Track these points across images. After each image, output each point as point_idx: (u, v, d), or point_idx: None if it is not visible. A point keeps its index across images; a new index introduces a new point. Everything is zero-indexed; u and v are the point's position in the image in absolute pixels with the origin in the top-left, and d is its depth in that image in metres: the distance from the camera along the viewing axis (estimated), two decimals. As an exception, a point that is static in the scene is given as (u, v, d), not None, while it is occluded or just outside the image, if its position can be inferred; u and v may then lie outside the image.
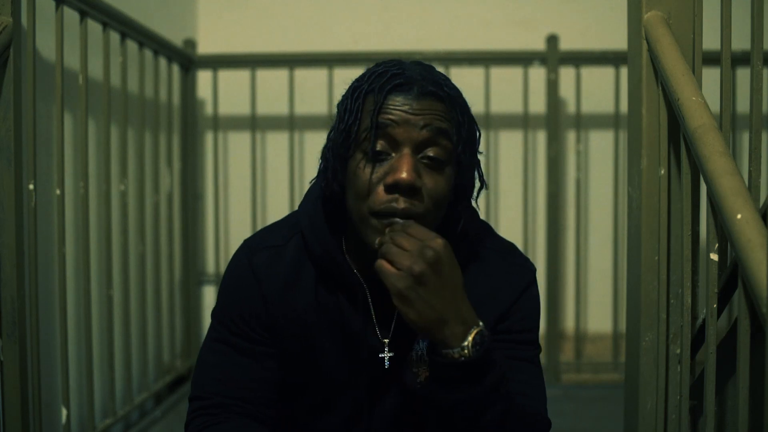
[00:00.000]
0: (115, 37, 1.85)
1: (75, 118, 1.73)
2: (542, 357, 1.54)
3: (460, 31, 2.69)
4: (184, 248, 2.47)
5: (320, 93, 2.52)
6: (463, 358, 0.86)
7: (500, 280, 1.06)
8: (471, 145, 0.99)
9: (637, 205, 1.18)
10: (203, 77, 2.58)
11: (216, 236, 2.61)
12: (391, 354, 1.03)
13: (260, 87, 2.54)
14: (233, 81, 2.58)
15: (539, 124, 2.55)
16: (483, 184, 1.04)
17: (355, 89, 0.97)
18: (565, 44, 2.42)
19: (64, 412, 1.54)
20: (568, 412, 2.12)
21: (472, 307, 0.89)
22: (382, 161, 0.93)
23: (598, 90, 2.52)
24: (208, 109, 2.66)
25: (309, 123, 2.60)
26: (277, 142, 2.67)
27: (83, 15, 1.64)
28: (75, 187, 1.72)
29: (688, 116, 1.01)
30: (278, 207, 2.60)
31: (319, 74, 2.54)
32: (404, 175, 0.90)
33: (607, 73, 2.46)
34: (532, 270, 1.10)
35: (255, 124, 2.55)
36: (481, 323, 0.88)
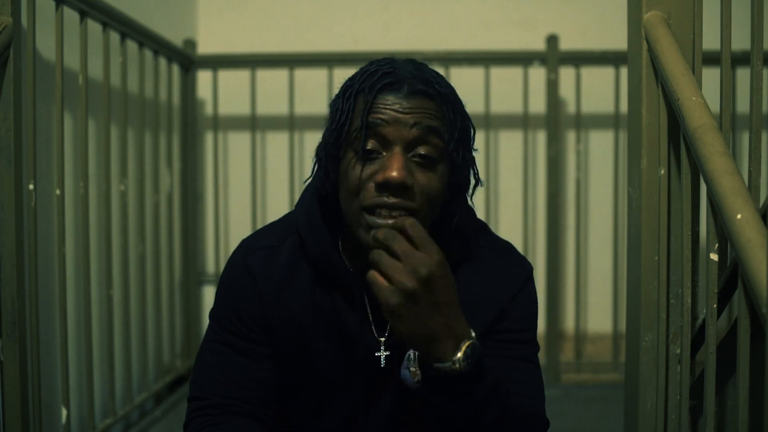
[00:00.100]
0: (115, 37, 1.85)
1: (75, 118, 1.73)
2: (542, 357, 1.55)
3: (460, 31, 2.69)
4: (184, 248, 2.47)
5: (320, 93, 2.52)
6: (454, 373, 0.84)
7: (497, 279, 1.06)
8: (464, 142, 0.99)
9: (637, 205, 1.18)
10: (203, 77, 2.58)
11: (216, 236, 2.61)
12: (387, 353, 1.03)
13: (260, 87, 2.54)
14: (233, 81, 2.58)
15: (539, 124, 2.55)
16: (478, 181, 1.04)
17: (347, 89, 0.98)
18: (565, 44, 2.42)
19: (64, 412, 1.54)
20: (568, 412, 2.12)
21: (465, 319, 0.86)
22: (373, 160, 0.94)
23: (598, 90, 2.52)
24: (208, 109, 2.66)
25: (309, 123, 2.60)
26: (277, 142, 2.67)
27: (83, 15, 1.64)
28: (75, 187, 1.72)
29: (688, 116, 1.01)
30: (278, 207, 2.60)
31: (319, 74, 2.54)
32: (394, 173, 0.90)
33: (607, 73, 2.46)
34: (529, 269, 1.10)
35: (255, 124, 2.55)
36: (473, 334, 0.86)
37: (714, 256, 1.00)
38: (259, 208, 2.65)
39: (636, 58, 1.19)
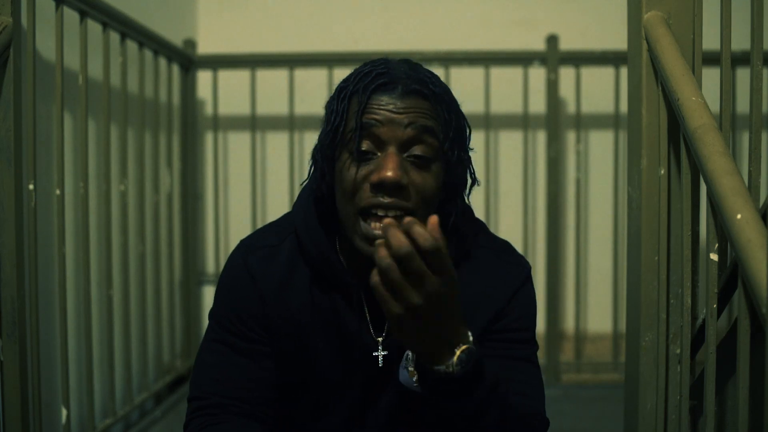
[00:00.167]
0: (115, 37, 1.85)
1: (75, 118, 1.73)
2: (542, 357, 1.55)
3: (460, 31, 2.69)
4: (184, 248, 2.47)
5: (320, 93, 2.52)
6: (449, 376, 0.84)
7: (495, 278, 1.05)
8: (459, 142, 0.99)
9: (637, 205, 1.18)
10: (203, 77, 2.58)
11: (216, 236, 2.61)
12: (385, 353, 1.03)
13: (260, 87, 2.54)
14: (233, 81, 2.58)
15: (539, 124, 2.55)
16: (474, 180, 1.04)
17: (341, 90, 0.98)
18: (565, 44, 2.42)
19: (64, 412, 1.54)
20: (568, 412, 2.12)
21: (464, 325, 0.85)
22: (368, 161, 0.94)
23: (598, 90, 2.52)
24: (208, 109, 2.66)
25: (309, 123, 2.60)
26: (277, 142, 2.67)
27: (83, 15, 1.64)
28: (75, 187, 1.72)
29: (688, 116, 1.01)
30: (278, 207, 2.60)
31: (319, 74, 2.54)
32: (389, 173, 0.90)
33: (607, 73, 2.46)
34: (527, 268, 1.10)
35: (255, 124, 2.55)
36: (471, 338, 0.85)
37: (714, 256, 1.00)
38: (259, 208, 2.65)
39: (636, 58, 1.19)
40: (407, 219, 0.78)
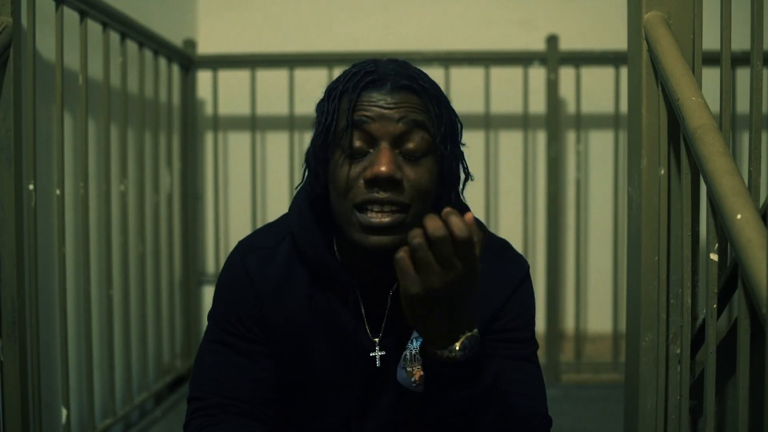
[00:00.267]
0: (115, 37, 1.85)
1: (75, 118, 1.73)
2: (542, 357, 1.54)
3: (460, 31, 2.69)
4: (184, 248, 2.47)
5: (320, 93, 2.49)
6: (451, 361, 0.85)
7: (493, 277, 1.05)
8: (452, 136, 0.99)
9: (637, 205, 1.18)
10: (203, 77, 2.58)
11: (216, 236, 2.61)
12: (382, 353, 1.03)
13: (260, 87, 2.54)
14: (233, 81, 2.58)
15: (539, 124, 2.55)
16: (468, 175, 1.04)
17: (331, 91, 0.99)
18: (565, 44, 2.42)
19: (64, 412, 1.54)
20: (568, 412, 2.11)
21: (473, 314, 0.86)
22: (362, 158, 0.94)
23: (598, 90, 2.52)
24: (208, 110, 2.66)
25: (309, 123, 2.56)
26: (277, 142, 2.67)
27: (83, 15, 1.64)
28: (75, 187, 1.72)
29: (688, 116, 1.01)
30: (278, 207, 2.60)
31: (319, 74, 2.54)
32: (383, 168, 0.90)
33: (607, 73, 2.46)
34: (526, 266, 1.10)
35: (255, 124, 2.55)
36: (475, 329, 0.86)
37: (714, 256, 1.00)
38: (259, 208, 2.65)
39: (636, 58, 1.19)
40: (447, 208, 0.79)
